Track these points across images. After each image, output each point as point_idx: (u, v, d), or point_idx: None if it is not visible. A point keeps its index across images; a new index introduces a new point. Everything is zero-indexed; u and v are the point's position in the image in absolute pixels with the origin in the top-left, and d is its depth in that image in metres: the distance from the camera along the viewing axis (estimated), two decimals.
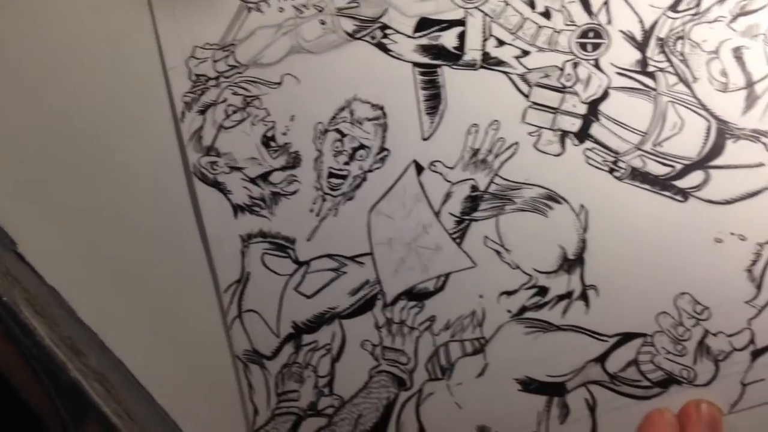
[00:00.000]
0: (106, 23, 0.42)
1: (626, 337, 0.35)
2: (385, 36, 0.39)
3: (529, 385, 0.36)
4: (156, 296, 0.40)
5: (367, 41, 0.39)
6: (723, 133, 0.35)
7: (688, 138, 0.35)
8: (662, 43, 0.36)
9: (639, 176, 0.36)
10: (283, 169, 0.40)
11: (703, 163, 0.35)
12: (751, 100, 0.35)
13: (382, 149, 0.39)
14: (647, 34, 0.36)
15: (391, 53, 0.39)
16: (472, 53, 0.38)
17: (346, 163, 0.39)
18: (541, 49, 0.38)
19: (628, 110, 0.36)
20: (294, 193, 0.39)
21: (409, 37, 0.39)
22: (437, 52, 0.39)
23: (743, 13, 0.36)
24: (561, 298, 0.36)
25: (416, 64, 0.39)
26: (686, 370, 0.34)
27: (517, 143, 0.37)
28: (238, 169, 0.40)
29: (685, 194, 0.35)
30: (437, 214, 0.38)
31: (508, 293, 0.37)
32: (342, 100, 0.39)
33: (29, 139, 0.41)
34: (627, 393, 0.35)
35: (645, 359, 0.35)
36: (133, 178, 0.41)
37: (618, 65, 0.37)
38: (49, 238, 0.41)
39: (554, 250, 0.36)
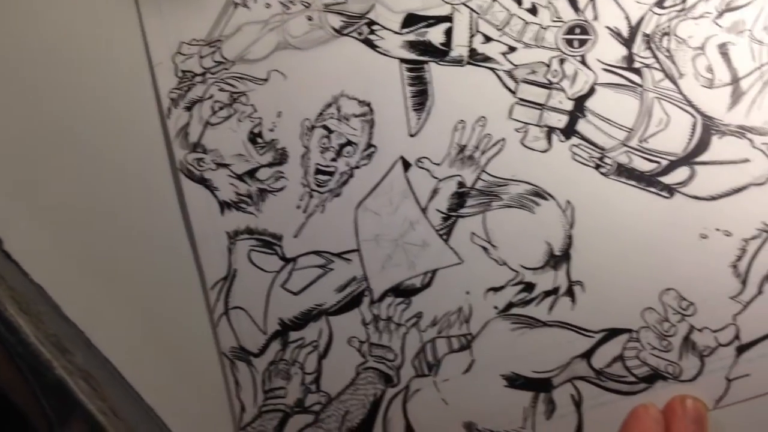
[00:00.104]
0: (92, 19, 0.42)
1: (612, 333, 0.35)
2: (372, 32, 0.40)
3: (515, 381, 0.36)
4: (142, 293, 0.40)
5: (354, 37, 0.40)
6: (709, 129, 0.35)
7: (674, 134, 0.36)
8: (648, 39, 0.36)
9: (625, 172, 0.36)
10: (269, 165, 0.40)
11: (688, 159, 0.35)
12: (736, 96, 0.35)
13: (369, 145, 0.39)
14: (633, 30, 0.37)
15: (378, 49, 0.39)
16: (459, 49, 0.39)
17: (333, 160, 0.39)
18: (527, 46, 0.38)
19: (615, 106, 0.36)
20: (281, 189, 0.40)
21: (396, 33, 0.39)
22: (424, 48, 0.39)
23: (729, 9, 0.36)
24: (547, 294, 0.36)
25: (403, 60, 0.39)
26: (672, 366, 0.35)
27: (503, 139, 0.38)
28: (225, 165, 0.40)
29: (670, 190, 0.35)
30: (424, 210, 0.38)
31: (495, 289, 0.37)
32: (329, 97, 0.40)
33: (15, 136, 0.42)
34: (613, 389, 0.35)
35: (630, 355, 0.35)
36: (119, 175, 0.41)
37: (604, 61, 0.37)
38: (36, 235, 0.41)
39: (541, 247, 0.37)
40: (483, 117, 0.38)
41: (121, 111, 0.41)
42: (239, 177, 0.40)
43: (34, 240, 0.41)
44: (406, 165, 0.38)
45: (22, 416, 0.35)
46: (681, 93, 0.36)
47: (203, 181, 0.40)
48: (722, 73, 0.36)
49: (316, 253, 0.39)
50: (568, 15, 0.37)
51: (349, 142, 0.39)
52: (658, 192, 0.36)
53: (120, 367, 0.39)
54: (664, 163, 0.36)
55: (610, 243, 0.36)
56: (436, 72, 0.39)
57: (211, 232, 0.40)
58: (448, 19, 0.39)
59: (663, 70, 0.36)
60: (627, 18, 0.37)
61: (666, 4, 0.36)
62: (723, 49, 0.36)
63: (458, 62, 0.38)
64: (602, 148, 0.36)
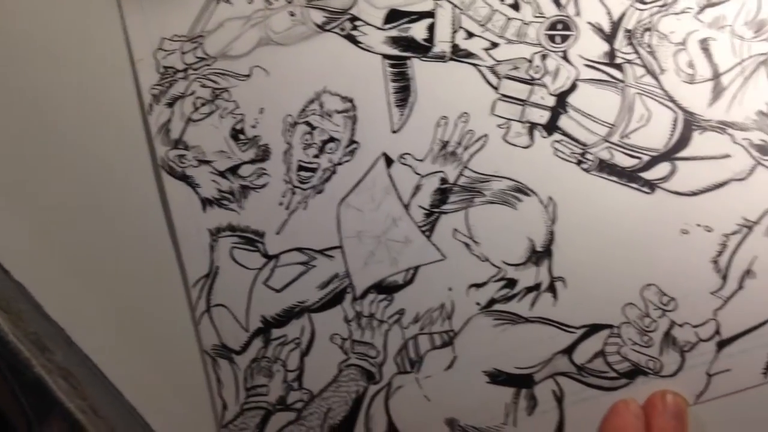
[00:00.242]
0: (73, 15, 0.42)
1: (593, 329, 0.36)
2: (355, 28, 0.40)
3: (497, 378, 0.36)
4: (124, 291, 0.40)
5: (336, 33, 0.40)
6: (690, 124, 0.36)
7: (655, 130, 0.36)
8: (630, 34, 0.37)
9: (606, 168, 0.36)
10: (252, 162, 0.40)
11: (669, 154, 0.36)
12: (717, 92, 0.36)
13: (352, 142, 0.39)
14: (615, 25, 0.37)
15: (360, 45, 0.40)
16: (441, 45, 0.39)
17: (316, 156, 0.40)
18: (510, 41, 0.38)
19: (596, 102, 0.37)
20: (263, 186, 0.40)
21: (378, 28, 0.40)
22: (407, 44, 0.39)
23: (710, 5, 0.36)
24: (529, 290, 0.36)
25: (386, 56, 0.39)
26: (652, 361, 0.35)
27: (486, 135, 0.38)
28: (207, 162, 0.40)
29: (651, 186, 0.36)
30: (407, 206, 0.38)
31: (477, 286, 0.37)
32: (311, 93, 0.40)
33: None
34: (594, 384, 0.35)
35: (612, 350, 0.35)
36: (100, 172, 0.41)
37: (586, 57, 0.37)
38: (16, 233, 0.41)
39: (523, 243, 0.37)
40: (465, 113, 0.38)
41: (102, 107, 0.41)
42: (221, 174, 0.40)
43: (14, 237, 0.41)
44: (389, 161, 0.39)
45: (1, 415, 0.35)
46: (662, 88, 0.36)
47: (185, 178, 0.40)
48: (703, 68, 0.36)
49: (299, 250, 0.39)
50: (550, 11, 0.38)
51: (332, 139, 0.39)
52: (639, 188, 0.36)
53: (101, 365, 0.39)
54: (646, 158, 0.36)
55: (591, 239, 0.36)
56: (418, 68, 0.39)
57: (193, 229, 0.40)
58: (430, 14, 0.39)
59: (644, 66, 0.37)
60: (609, 13, 0.37)
61: None
62: (704, 45, 0.36)
63: (441, 58, 0.39)
64: (584, 144, 0.37)
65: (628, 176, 0.36)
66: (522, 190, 0.37)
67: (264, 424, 0.38)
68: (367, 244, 0.38)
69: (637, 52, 0.37)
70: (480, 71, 0.38)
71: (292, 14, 0.41)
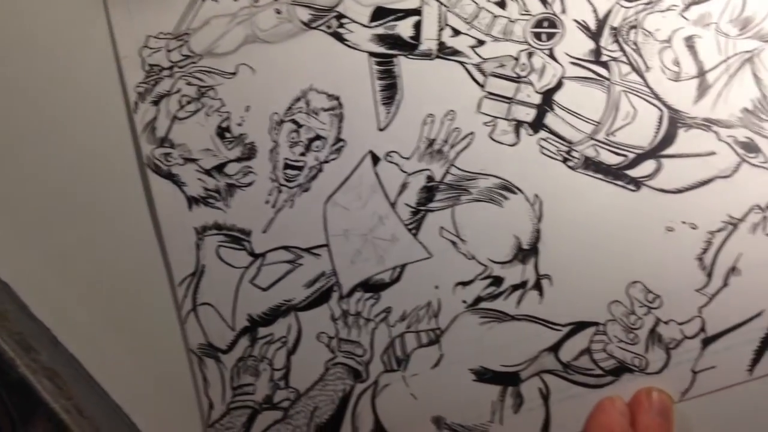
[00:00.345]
0: (58, 12, 0.42)
1: (579, 326, 0.36)
2: (341, 25, 0.40)
3: (483, 375, 0.37)
4: (109, 290, 0.40)
5: (323, 30, 0.40)
6: (675, 122, 0.36)
7: (641, 127, 0.36)
8: (616, 32, 0.37)
9: (592, 166, 0.37)
10: (238, 160, 0.40)
11: (655, 152, 0.36)
12: (702, 89, 0.36)
13: (338, 140, 0.39)
14: (601, 23, 0.37)
15: (347, 43, 0.40)
16: (428, 43, 0.39)
17: (302, 154, 0.40)
18: (496, 39, 0.38)
19: (582, 100, 0.37)
20: (249, 184, 0.40)
21: (365, 26, 0.40)
22: (393, 41, 0.39)
23: (695, 2, 0.37)
24: (515, 288, 0.37)
25: (372, 54, 0.39)
26: (638, 359, 0.35)
27: (472, 133, 0.38)
28: (193, 160, 0.40)
29: (637, 183, 0.36)
30: (393, 204, 0.39)
31: (464, 284, 0.37)
32: (298, 91, 0.40)
33: None
34: (580, 382, 0.36)
35: (597, 348, 0.36)
36: (85, 171, 0.41)
37: (572, 55, 0.37)
38: (0, 232, 0.41)
39: (509, 240, 0.37)
40: (452, 111, 0.38)
41: (88, 105, 0.42)
42: (207, 172, 0.40)
43: None
44: (375, 159, 0.39)
45: None
46: (648, 86, 0.37)
47: (171, 177, 0.40)
48: (688, 66, 0.36)
49: (285, 248, 0.39)
50: (536, 8, 0.38)
51: (318, 137, 0.40)
52: (624, 185, 0.36)
53: (86, 364, 0.39)
54: (631, 156, 0.36)
55: (577, 236, 0.36)
56: (405, 66, 0.39)
57: (179, 227, 0.40)
58: (417, 12, 0.39)
59: (630, 64, 0.37)
60: (594, 11, 0.37)
61: None
62: (689, 42, 0.37)
63: (427, 56, 0.39)
64: (570, 142, 0.37)
65: (614, 174, 0.36)
66: (508, 187, 0.37)
67: (250, 423, 0.38)
68: (354, 242, 0.39)
69: (622, 49, 0.37)
70: (466, 69, 0.38)
71: (278, 12, 0.41)
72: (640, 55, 0.37)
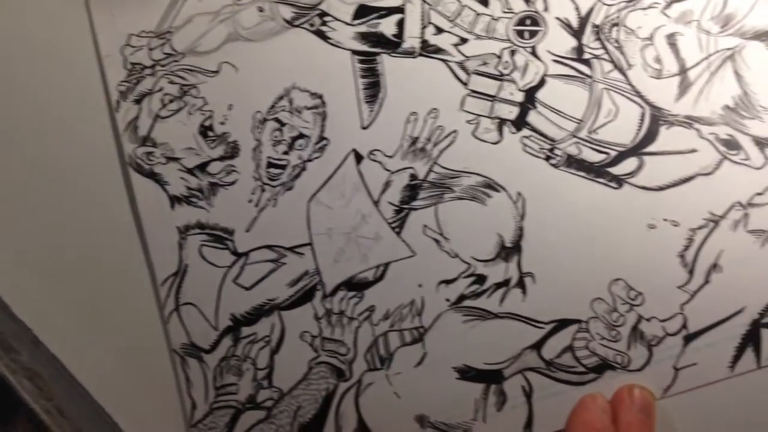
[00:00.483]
0: (39, 10, 0.42)
1: (562, 324, 0.36)
2: (324, 23, 0.40)
3: (466, 374, 0.37)
4: (91, 290, 0.41)
5: (305, 29, 0.40)
6: (657, 119, 0.37)
7: (623, 125, 0.37)
8: (598, 30, 0.38)
9: (574, 163, 0.37)
10: (221, 159, 0.40)
11: (637, 149, 0.37)
12: (684, 87, 0.37)
13: (322, 138, 0.40)
14: (583, 21, 0.38)
15: (330, 41, 0.40)
16: (411, 41, 0.39)
17: (285, 153, 0.40)
18: (479, 37, 0.39)
19: (564, 98, 0.38)
20: (232, 183, 0.40)
21: (347, 24, 0.40)
22: (376, 39, 0.40)
23: (677, 0, 0.37)
24: (499, 286, 0.37)
25: (355, 52, 0.40)
26: (620, 356, 0.36)
27: (455, 131, 0.39)
28: (175, 159, 0.41)
29: (619, 181, 0.37)
30: (376, 203, 0.39)
31: (447, 282, 0.38)
32: (281, 89, 0.40)
33: None
34: (562, 379, 0.36)
35: (580, 345, 0.36)
36: (67, 170, 0.41)
37: (554, 52, 0.38)
38: None
39: (492, 238, 0.38)
40: (435, 109, 0.39)
41: (69, 104, 0.42)
42: (190, 171, 0.41)
43: None
44: (359, 158, 0.39)
45: None
46: (630, 84, 0.37)
47: (153, 176, 0.41)
48: (670, 63, 0.37)
49: (268, 247, 0.40)
50: (519, 6, 0.39)
51: (301, 135, 0.40)
52: (607, 183, 0.37)
53: (68, 365, 0.40)
54: (613, 153, 0.37)
55: (559, 234, 0.37)
56: (388, 64, 0.40)
57: (161, 227, 0.40)
58: (399, 10, 0.40)
59: (612, 61, 0.37)
60: (577, 9, 0.38)
61: None
62: (671, 40, 0.37)
63: (410, 54, 0.39)
64: (552, 140, 0.38)
65: (596, 171, 0.37)
66: (491, 185, 0.38)
67: (234, 423, 0.39)
68: (337, 240, 0.39)
69: (604, 47, 0.38)
70: (449, 67, 0.39)
71: (261, 10, 0.41)
72: (622, 53, 0.37)
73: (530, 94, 0.38)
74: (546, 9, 0.38)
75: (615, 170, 0.37)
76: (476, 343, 0.37)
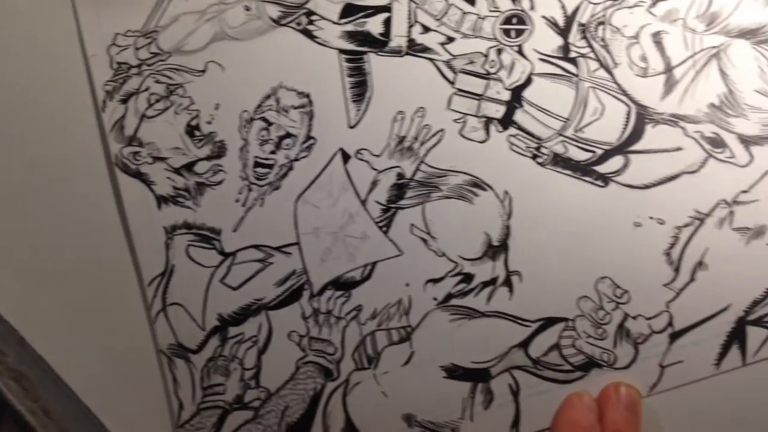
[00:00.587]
0: (25, 9, 0.43)
1: (549, 322, 0.37)
2: (311, 22, 0.41)
3: (454, 372, 0.37)
4: (78, 291, 0.41)
5: (292, 28, 0.41)
6: (642, 117, 0.37)
7: (609, 123, 0.37)
8: (584, 28, 0.38)
9: (561, 162, 0.38)
10: (207, 158, 0.41)
11: (622, 148, 0.37)
12: (670, 85, 0.37)
13: (309, 137, 0.40)
14: (569, 19, 0.38)
15: (316, 40, 0.40)
16: (397, 40, 0.40)
17: (272, 152, 0.40)
18: (465, 36, 0.39)
19: (551, 96, 0.38)
20: (219, 183, 0.41)
21: (334, 23, 0.41)
22: (363, 38, 0.40)
23: None
24: (486, 284, 0.38)
25: (342, 51, 0.40)
26: (607, 354, 0.36)
27: (442, 130, 0.39)
28: (162, 159, 0.41)
29: (605, 179, 0.37)
30: (364, 202, 0.39)
31: (434, 281, 0.38)
32: (267, 88, 0.41)
33: None
34: (549, 377, 0.37)
35: (567, 343, 0.37)
36: (53, 170, 0.42)
37: (541, 51, 0.38)
38: None
39: (479, 237, 0.38)
40: (422, 108, 0.39)
41: (55, 104, 0.42)
42: (176, 171, 0.41)
43: None
44: (346, 157, 0.40)
45: None
46: (615, 82, 0.38)
47: (139, 176, 0.41)
48: (656, 61, 0.37)
49: (256, 247, 0.40)
50: (505, 5, 0.39)
51: (288, 135, 0.40)
52: (593, 181, 0.37)
53: (55, 365, 0.40)
54: (599, 152, 0.37)
55: (546, 233, 0.37)
56: (375, 63, 0.40)
57: (148, 227, 0.40)
58: (386, 9, 0.40)
59: (598, 60, 0.38)
60: (563, 8, 0.38)
61: None
62: (657, 38, 0.37)
63: (397, 53, 0.40)
64: (539, 138, 0.38)
65: (582, 170, 0.37)
66: (478, 184, 0.38)
67: (221, 423, 0.39)
68: (325, 240, 0.39)
69: (590, 46, 0.38)
70: (436, 66, 0.39)
71: (247, 9, 0.41)
72: (608, 52, 0.38)
73: (517, 92, 0.38)
74: (532, 8, 0.39)
75: (601, 169, 0.37)
76: (463, 341, 0.37)
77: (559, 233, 0.37)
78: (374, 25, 0.40)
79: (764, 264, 0.35)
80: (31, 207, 0.41)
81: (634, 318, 0.36)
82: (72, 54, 0.42)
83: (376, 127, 0.40)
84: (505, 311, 0.37)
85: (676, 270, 0.36)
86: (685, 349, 0.36)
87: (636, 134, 0.37)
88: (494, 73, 0.39)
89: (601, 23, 0.38)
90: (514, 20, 0.39)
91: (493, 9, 0.39)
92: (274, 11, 0.41)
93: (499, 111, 0.38)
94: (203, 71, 0.41)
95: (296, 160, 0.40)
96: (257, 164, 0.40)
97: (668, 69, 0.37)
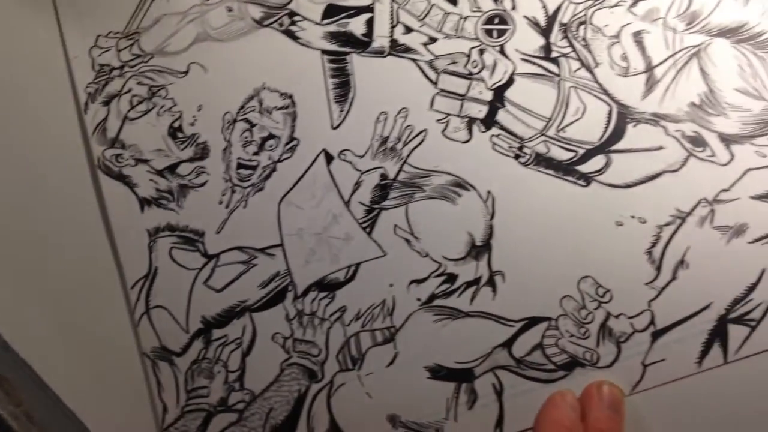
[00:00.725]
0: (6, 12, 0.43)
1: (532, 322, 0.37)
2: (293, 23, 0.41)
3: (438, 373, 0.38)
4: (61, 294, 0.41)
5: (275, 28, 0.41)
6: (624, 117, 0.38)
7: (590, 123, 0.38)
8: (565, 28, 0.39)
9: (543, 162, 0.38)
10: (190, 160, 0.41)
11: (604, 147, 0.38)
12: (650, 84, 0.38)
13: (292, 138, 0.41)
14: (551, 19, 0.39)
15: (299, 41, 0.41)
16: (380, 40, 0.40)
17: (256, 154, 0.41)
18: (448, 36, 0.40)
19: (533, 96, 0.38)
20: (202, 185, 0.41)
21: (317, 24, 0.41)
22: (346, 39, 0.41)
23: None
24: (469, 284, 0.38)
25: (325, 52, 0.41)
26: (589, 353, 0.37)
27: (425, 130, 0.39)
28: (144, 161, 0.41)
29: (587, 179, 0.38)
30: (347, 203, 0.40)
31: (418, 281, 0.39)
32: (250, 89, 0.41)
33: None
34: (533, 377, 0.37)
35: (550, 343, 0.37)
36: (35, 172, 0.42)
37: (523, 51, 0.39)
38: None
39: (462, 237, 0.39)
40: (405, 108, 0.40)
41: (37, 106, 0.42)
42: (159, 173, 0.41)
43: None
44: (329, 158, 0.40)
45: None
46: (597, 82, 0.38)
47: (122, 178, 0.41)
48: (637, 61, 0.38)
49: (239, 248, 0.40)
50: (487, 5, 0.39)
51: (272, 136, 0.41)
52: (575, 181, 0.38)
53: (38, 369, 0.40)
54: (581, 151, 0.38)
55: (529, 232, 0.38)
56: (357, 63, 0.40)
57: (131, 229, 0.41)
58: (369, 9, 0.41)
59: (579, 60, 0.38)
60: (544, 7, 0.39)
61: None
62: (638, 38, 0.38)
63: (380, 53, 0.40)
64: (521, 138, 0.38)
65: (564, 169, 0.38)
66: (461, 184, 0.39)
67: (205, 426, 0.39)
68: (308, 241, 0.40)
69: (572, 45, 0.38)
70: (419, 66, 0.40)
71: (229, 10, 0.42)
72: (590, 51, 0.38)
73: (499, 92, 0.39)
74: (514, 8, 0.39)
75: (583, 168, 0.38)
76: (447, 342, 0.38)
77: (541, 233, 0.38)
78: (357, 26, 0.41)
79: (745, 262, 0.36)
80: (12, 209, 0.42)
81: (616, 317, 0.37)
82: (54, 56, 0.42)
83: (359, 128, 0.40)
84: (488, 311, 0.38)
85: (658, 269, 0.37)
86: (667, 347, 0.36)
87: (617, 133, 0.38)
88: (476, 74, 0.39)
89: (583, 23, 0.39)
90: (496, 20, 0.39)
91: (475, 9, 0.39)
92: (256, 12, 0.41)
93: (481, 111, 0.39)
94: (186, 72, 0.42)
95: (279, 161, 0.40)
96: (240, 166, 0.41)
97: (649, 68, 0.38)
